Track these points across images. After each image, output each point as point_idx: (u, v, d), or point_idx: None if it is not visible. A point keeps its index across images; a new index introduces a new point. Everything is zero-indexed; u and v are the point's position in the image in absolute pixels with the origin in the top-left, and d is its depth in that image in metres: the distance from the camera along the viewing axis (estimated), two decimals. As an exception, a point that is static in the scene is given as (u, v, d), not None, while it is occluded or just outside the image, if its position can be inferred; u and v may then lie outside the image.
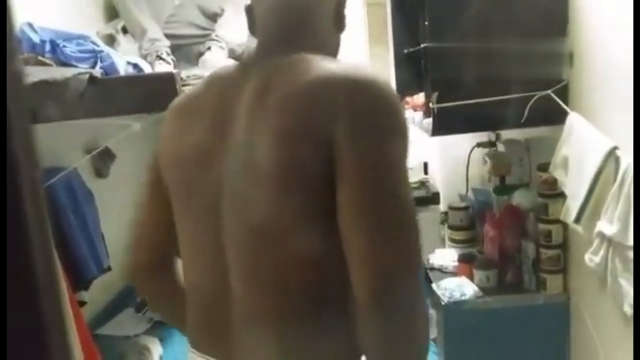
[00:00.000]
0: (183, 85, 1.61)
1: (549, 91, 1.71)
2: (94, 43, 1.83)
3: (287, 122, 0.87)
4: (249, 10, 1.05)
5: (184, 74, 1.78)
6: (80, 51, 1.77)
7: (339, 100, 0.84)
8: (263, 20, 1.03)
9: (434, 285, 2.11)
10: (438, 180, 3.73)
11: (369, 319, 0.84)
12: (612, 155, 1.44)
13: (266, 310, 0.95)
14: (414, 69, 2.29)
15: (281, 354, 0.95)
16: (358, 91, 0.86)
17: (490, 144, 2.40)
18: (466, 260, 2.16)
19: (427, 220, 2.99)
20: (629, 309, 1.41)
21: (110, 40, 2.38)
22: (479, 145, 2.45)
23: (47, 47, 1.73)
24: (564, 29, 1.73)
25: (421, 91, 2.22)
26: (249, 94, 0.94)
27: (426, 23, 1.78)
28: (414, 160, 3.85)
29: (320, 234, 0.90)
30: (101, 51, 1.80)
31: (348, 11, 1.05)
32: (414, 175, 3.85)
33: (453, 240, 2.42)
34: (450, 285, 2.06)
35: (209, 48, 2.44)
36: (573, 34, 1.72)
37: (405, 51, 2.49)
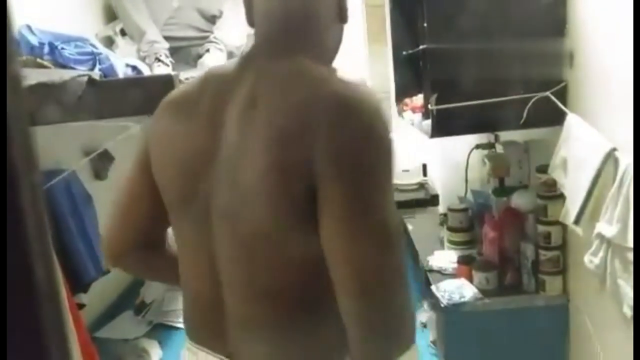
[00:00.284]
0: (182, 88, 1.61)
1: (547, 93, 1.71)
2: (92, 45, 1.84)
3: (274, 135, 0.87)
4: (248, 1, 1.02)
5: (182, 76, 1.78)
6: (79, 53, 1.77)
7: (325, 121, 0.84)
8: (262, 11, 1.00)
9: (433, 287, 2.11)
10: (437, 182, 3.74)
11: (352, 325, 0.87)
12: (611, 157, 1.44)
13: (255, 311, 0.97)
14: (413, 71, 2.30)
15: (271, 352, 0.98)
16: (345, 113, 0.85)
17: (489, 146, 2.41)
18: (465, 262, 2.16)
19: (426, 222, 3.00)
20: (628, 310, 1.41)
21: (109, 42, 2.38)
22: (478, 146, 2.45)
23: (46, 49, 1.73)
24: (563, 29, 1.74)
25: (420, 93, 2.23)
26: (242, 100, 0.93)
27: (425, 24, 1.78)
28: (412, 162, 3.86)
29: (305, 240, 0.90)
30: (100, 53, 1.80)
31: (349, 3, 1.03)
32: (413, 177, 3.86)
33: (452, 242, 2.42)
34: (449, 287, 2.05)
35: (207, 50, 2.44)
36: (572, 35, 1.72)
37: (404, 53, 2.49)
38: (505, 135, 2.31)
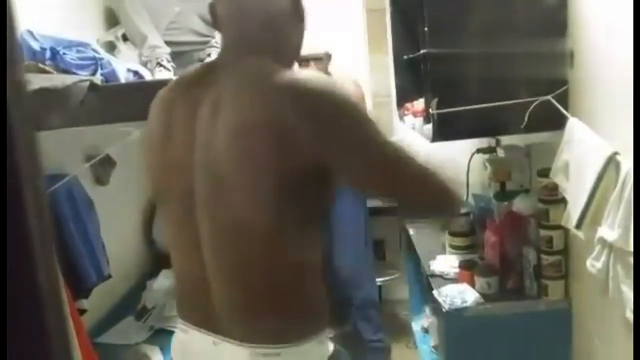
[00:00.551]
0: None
1: (549, 97, 1.71)
2: (94, 50, 1.84)
3: (258, 124, 0.98)
4: (213, 8, 1.13)
5: (184, 81, 1.77)
6: (81, 58, 1.77)
7: (303, 104, 0.97)
8: (224, 17, 1.11)
9: (435, 292, 2.10)
10: (438, 186, 3.73)
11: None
12: (612, 161, 1.44)
13: (241, 291, 1.08)
14: (414, 75, 2.30)
15: (257, 328, 1.09)
16: (316, 91, 0.99)
17: (491, 150, 2.40)
18: (467, 266, 2.16)
19: (427, 226, 2.99)
20: (631, 315, 1.41)
21: (111, 47, 2.39)
22: (479, 151, 2.45)
23: (48, 54, 1.73)
24: (564, 34, 1.74)
25: (421, 97, 2.23)
26: (214, 99, 1.03)
27: (425, 29, 1.78)
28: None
29: (290, 221, 1.04)
30: (101, 58, 1.81)
31: (305, 2, 1.13)
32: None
33: (454, 247, 2.42)
34: (451, 292, 2.05)
35: (209, 55, 2.45)
36: (573, 38, 1.72)
37: (405, 57, 2.49)
38: (507, 140, 2.31)
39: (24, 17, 1.78)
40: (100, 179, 2.42)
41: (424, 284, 2.80)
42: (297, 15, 1.11)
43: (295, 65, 1.19)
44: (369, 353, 3.03)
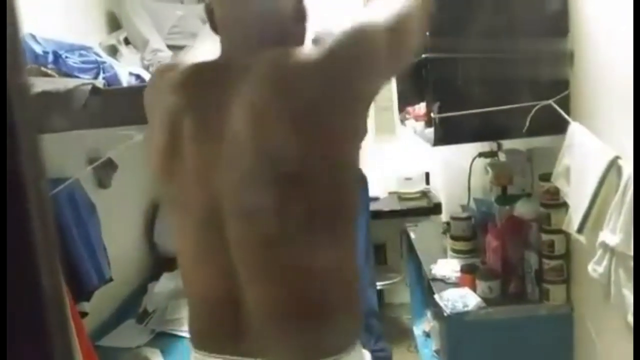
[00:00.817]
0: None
1: (550, 101, 1.71)
2: (96, 54, 1.85)
3: (304, 107, 0.94)
4: (209, 9, 1.10)
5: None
6: (83, 62, 1.78)
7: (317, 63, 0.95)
8: (223, 18, 1.08)
9: (436, 296, 2.10)
10: (440, 190, 3.73)
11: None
12: (614, 165, 1.44)
13: (283, 305, 1.02)
14: (416, 79, 2.30)
15: (297, 345, 1.03)
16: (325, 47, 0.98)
17: (492, 154, 2.40)
18: (469, 270, 2.15)
19: (429, 230, 2.99)
20: (632, 320, 1.40)
21: (113, 51, 2.39)
22: (480, 155, 2.45)
23: (50, 58, 1.74)
24: (565, 37, 1.74)
25: (423, 101, 2.23)
26: (241, 96, 0.98)
27: (427, 33, 1.79)
28: (415, 170, 3.86)
29: (331, 229, 1.00)
30: (104, 62, 1.81)
31: (307, 2, 1.12)
32: (416, 186, 3.86)
33: (455, 251, 2.42)
34: (452, 296, 2.05)
35: (210, 59, 2.44)
36: (573, 42, 1.73)
37: (407, 61, 2.49)
38: (508, 144, 2.31)
39: (26, 21, 1.78)
40: (102, 182, 2.42)
41: (426, 288, 2.79)
42: (299, 16, 1.10)
43: None
44: (372, 364, 3.01)
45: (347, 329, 1.07)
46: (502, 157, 2.36)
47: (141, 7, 2.46)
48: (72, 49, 1.80)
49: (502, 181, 2.27)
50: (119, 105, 1.62)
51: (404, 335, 3.41)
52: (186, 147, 1.02)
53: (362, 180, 2.62)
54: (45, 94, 1.51)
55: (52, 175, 1.93)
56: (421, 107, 2.29)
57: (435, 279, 2.26)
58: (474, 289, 2.08)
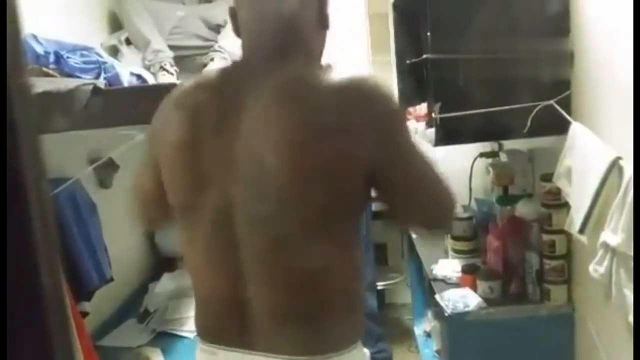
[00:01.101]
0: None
1: (551, 101, 1.71)
2: (97, 54, 1.85)
3: (320, 134, 0.96)
4: (233, 13, 1.10)
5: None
6: (84, 62, 1.78)
7: (366, 112, 0.97)
8: (248, 23, 1.08)
9: (437, 297, 2.10)
10: (441, 190, 3.73)
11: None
12: (615, 166, 1.44)
13: (288, 302, 1.04)
14: (417, 80, 2.30)
15: (302, 341, 1.05)
16: (375, 99, 1.01)
17: (493, 154, 2.40)
18: (469, 271, 2.15)
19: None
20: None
21: (114, 51, 2.39)
22: (481, 155, 2.45)
23: (51, 58, 1.74)
24: (567, 38, 1.74)
25: (424, 101, 2.23)
26: (262, 102, 0.99)
27: (428, 34, 1.79)
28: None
29: (339, 231, 1.03)
30: (105, 62, 1.81)
31: (331, 10, 1.12)
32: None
33: (456, 251, 2.42)
34: (453, 296, 2.05)
35: (212, 59, 2.45)
36: (574, 43, 1.73)
37: (408, 61, 2.49)
38: (509, 144, 2.31)
39: (28, 21, 1.78)
40: (103, 183, 2.43)
41: (426, 288, 2.79)
42: (322, 22, 1.10)
43: None
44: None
45: (349, 328, 1.10)
46: (503, 157, 2.36)
47: (142, 7, 2.46)
48: (73, 49, 1.80)
49: (503, 181, 2.27)
50: (120, 105, 1.62)
51: (405, 335, 3.42)
52: (199, 152, 1.03)
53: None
54: (46, 94, 1.51)
55: (53, 175, 1.93)
56: (422, 108, 2.29)
57: (436, 279, 2.26)
58: (474, 289, 2.08)
